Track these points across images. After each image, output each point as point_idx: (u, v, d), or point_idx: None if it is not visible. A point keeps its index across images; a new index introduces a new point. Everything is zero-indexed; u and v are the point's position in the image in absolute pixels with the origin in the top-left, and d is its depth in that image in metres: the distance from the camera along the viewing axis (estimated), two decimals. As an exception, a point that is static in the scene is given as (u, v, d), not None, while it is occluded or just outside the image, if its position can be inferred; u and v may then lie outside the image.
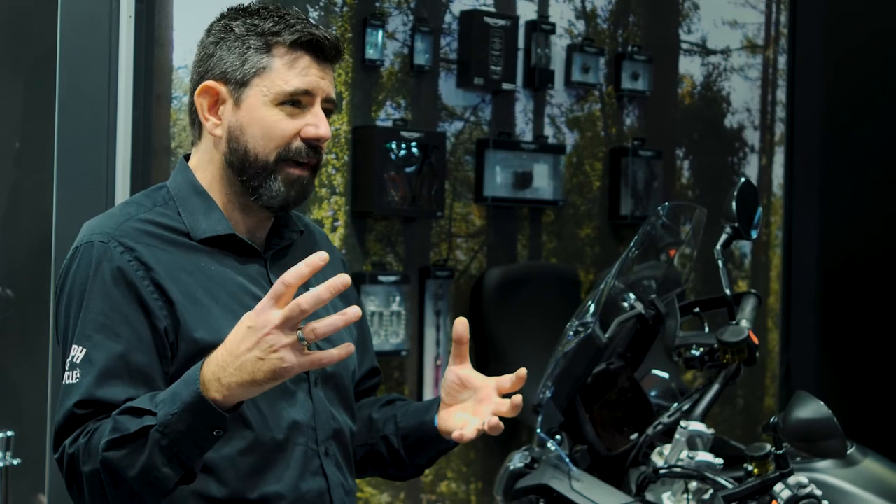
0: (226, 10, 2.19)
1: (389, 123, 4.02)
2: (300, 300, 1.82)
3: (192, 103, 2.17)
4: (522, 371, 2.15)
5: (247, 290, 2.11)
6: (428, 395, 4.09)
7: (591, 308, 2.95)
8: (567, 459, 2.86)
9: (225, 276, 2.10)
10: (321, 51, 2.12)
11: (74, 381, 1.97)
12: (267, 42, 2.10)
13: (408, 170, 4.00)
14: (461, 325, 2.19)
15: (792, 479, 2.59)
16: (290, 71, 2.09)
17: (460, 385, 2.19)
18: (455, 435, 2.12)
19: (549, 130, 4.50)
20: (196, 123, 2.17)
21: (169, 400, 1.89)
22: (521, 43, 4.36)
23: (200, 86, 2.13)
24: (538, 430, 2.92)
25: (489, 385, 2.17)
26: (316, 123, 2.10)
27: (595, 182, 4.66)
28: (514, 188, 4.35)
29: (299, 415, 2.12)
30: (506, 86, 4.28)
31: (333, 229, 3.90)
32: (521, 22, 4.37)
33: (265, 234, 2.20)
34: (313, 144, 2.11)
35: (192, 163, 2.19)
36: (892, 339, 4.99)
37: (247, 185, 2.12)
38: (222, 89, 2.11)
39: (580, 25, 4.59)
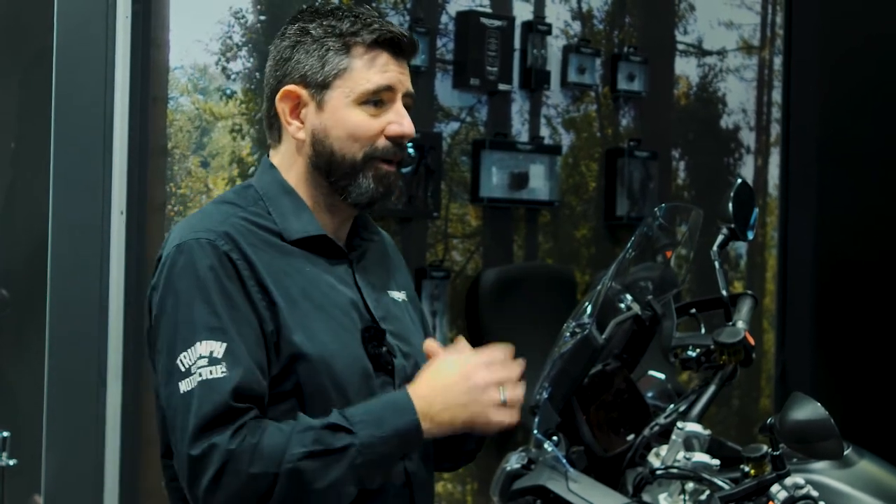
0: (298, 13, 2.17)
1: (386, 124, 4.02)
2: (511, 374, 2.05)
3: (270, 108, 2.16)
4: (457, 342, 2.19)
5: (337, 290, 2.11)
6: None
7: (588, 309, 2.94)
8: (564, 460, 2.86)
9: (319, 277, 2.10)
10: (399, 47, 2.12)
11: (222, 375, 1.94)
12: (346, 43, 2.10)
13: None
14: (430, 346, 2.18)
15: (788, 480, 2.59)
16: (370, 69, 2.09)
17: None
18: None
19: (545, 131, 4.50)
20: (275, 127, 2.17)
21: (373, 422, 1.97)
22: (517, 44, 4.37)
23: (282, 90, 2.12)
24: (535, 431, 2.91)
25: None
26: (399, 121, 2.11)
27: (591, 183, 4.67)
28: (510, 189, 4.36)
29: None
30: (502, 86, 4.28)
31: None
32: (518, 23, 4.37)
33: (346, 235, 2.20)
34: (397, 142, 2.12)
35: (275, 164, 2.18)
36: (887, 340, 5.00)
37: (336, 185, 2.11)
38: (303, 93, 2.11)
39: (576, 26, 4.59)
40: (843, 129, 5.21)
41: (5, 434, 3.30)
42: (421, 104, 4.15)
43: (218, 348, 1.96)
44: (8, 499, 3.36)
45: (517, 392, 2.02)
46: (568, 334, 2.94)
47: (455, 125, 4.25)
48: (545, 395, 2.91)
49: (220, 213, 2.10)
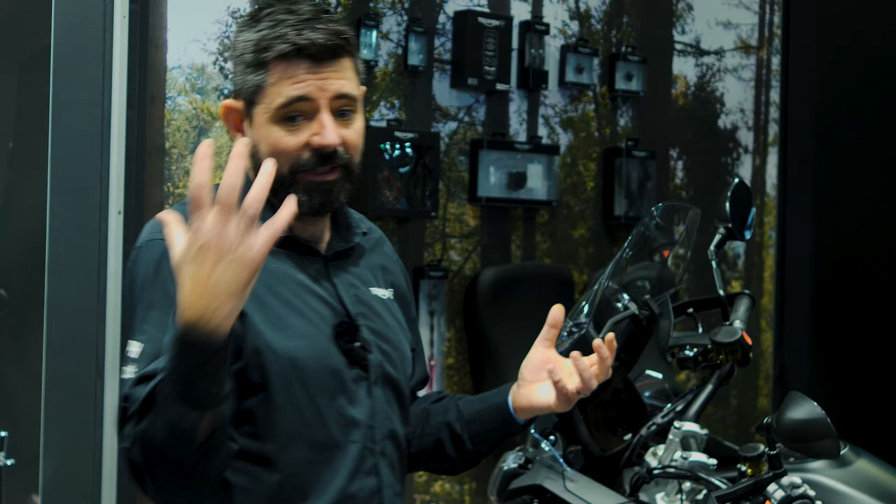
0: (236, 22, 2.16)
1: (383, 124, 4.02)
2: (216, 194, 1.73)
3: None
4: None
5: (307, 286, 2.11)
6: (422, 394, 4.08)
7: (585, 308, 2.95)
8: (561, 460, 2.86)
9: (285, 273, 2.10)
10: (317, 55, 2.05)
11: (130, 377, 1.93)
12: (260, 60, 2.05)
13: (402, 170, 4.00)
14: (558, 310, 2.25)
15: (785, 480, 2.59)
16: (281, 83, 2.04)
17: (543, 362, 2.22)
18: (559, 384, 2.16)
19: (542, 131, 4.50)
20: None
21: (166, 349, 1.82)
22: (514, 43, 4.37)
23: (221, 105, 2.13)
24: (532, 431, 2.92)
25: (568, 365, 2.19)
26: (321, 132, 2.05)
27: (589, 182, 4.67)
28: (507, 188, 4.35)
29: (358, 413, 2.11)
30: (500, 86, 4.28)
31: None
32: (515, 22, 4.37)
33: (324, 233, 2.19)
34: (322, 153, 2.07)
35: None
36: (885, 340, 5.00)
37: (274, 196, 2.05)
38: (239, 107, 2.10)
39: (574, 26, 4.59)
40: (841, 129, 5.21)
41: (3, 434, 3.29)
42: (419, 104, 4.15)
43: (136, 349, 1.96)
44: (5, 499, 3.36)
45: (251, 201, 1.74)
46: (565, 334, 2.95)
47: (453, 125, 4.25)
48: (542, 394, 2.91)
49: (185, 212, 2.09)
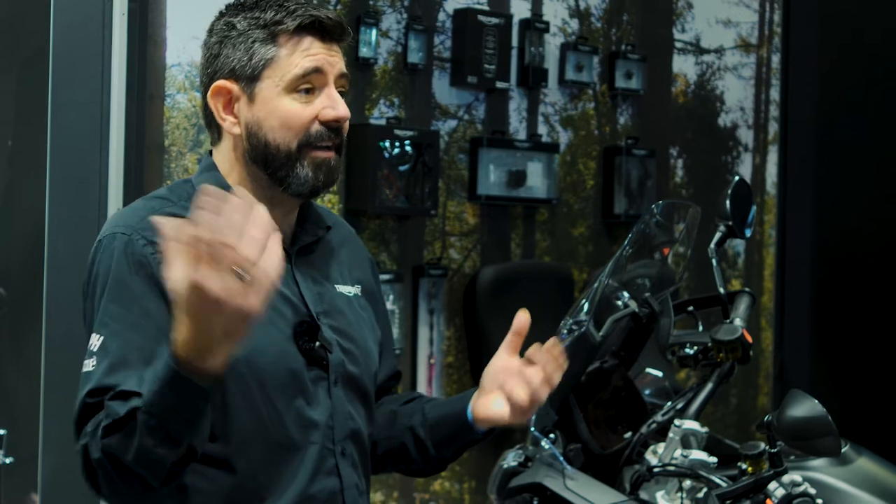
0: (224, 7, 2.16)
1: (383, 122, 4.02)
2: (200, 234, 1.68)
3: (205, 107, 2.15)
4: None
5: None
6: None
7: (585, 306, 2.94)
8: (561, 458, 2.86)
9: None
10: (325, 30, 2.09)
11: (91, 370, 1.93)
12: (271, 32, 2.08)
13: (401, 168, 4.00)
14: (523, 317, 2.20)
15: (786, 478, 2.59)
16: (296, 55, 2.07)
17: (503, 371, 2.19)
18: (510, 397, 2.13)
19: (542, 129, 4.50)
20: (213, 125, 2.15)
21: (152, 378, 1.82)
22: (514, 41, 4.36)
23: (212, 87, 2.11)
24: (532, 429, 2.91)
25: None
26: (332, 105, 2.08)
27: (589, 181, 4.66)
28: (507, 187, 4.35)
29: (317, 414, 2.10)
30: (499, 84, 4.28)
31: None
32: (515, 20, 4.37)
33: (291, 229, 2.18)
34: (333, 126, 2.09)
35: (216, 161, 2.16)
36: (885, 338, 4.99)
37: (274, 177, 2.09)
38: (234, 87, 2.09)
39: (574, 24, 4.59)
40: (841, 127, 5.21)
41: (2, 432, 3.29)
42: (418, 102, 4.15)
43: (96, 342, 1.96)
44: (4, 497, 3.36)
45: (269, 260, 1.71)
46: (565, 332, 2.94)
47: (453, 123, 4.25)
48: (542, 392, 2.90)
49: (146, 208, 2.08)
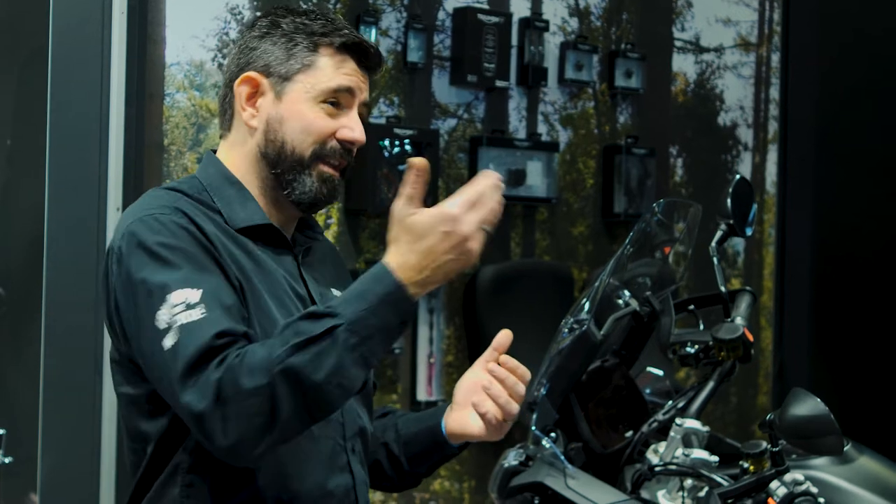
0: (272, 8, 2.19)
1: (383, 121, 4.01)
2: (470, 195, 1.92)
3: (225, 95, 2.16)
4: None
5: (286, 279, 2.11)
6: (421, 393, 4.08)
7: (586, 305, 2.94)
8: (562, 457, 2.86)
9: (268, 262, 2.10)
10: (366, 56, 2.15)
11: (200, 317, 1.89)
12: (315, 42, 2.11)
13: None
14: (504, 336, 2.16)
15: (788, 477, 2.59)
16: (334, 70, 2.11)
17: (476, 386, 2.17)
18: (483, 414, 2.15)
19: (542, 128, 4.49)
20: (227, 115, 2.17)
21: (355, 298, 1.89)
22: (514, 40, 4.36)
23: (243, 76, 2.12)
24: (533, 428, 2.91)
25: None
26: (353, 127, 2.12)
27: (588, 180, 4.66)
28: (507, 186, 4.34)
29: None
30: (499, 83, 4.27)
31: (327, 227, 3.89)
32: (515, 19, 4.36)
33: (292, 231, 2.20)
34: (347, 147, 2.13)
35: (222, 155, 2.17)
36: (885, 337, 4.99)
37: (280, 178, 2.11)
38: (264, 81, 2.11)
39: (573, 23, 4.58)
40: (841, 126, 5.20)
41: (1, 432, 3.29)
42: (418, 101, 4.14)
43: (192, 294, 1.92)
44: (3, 497, 3.35)
45: (493, 214, 1.94)
46: (566, 330, 2.94)
47: (452, 122, 4.24)
48: (543, 391, 2.91)
49: (168, 196, 2.08)
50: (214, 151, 2.20)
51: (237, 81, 2.12)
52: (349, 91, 2.12)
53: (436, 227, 1.89)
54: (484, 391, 2.14)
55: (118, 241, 2.02)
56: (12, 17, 3.55)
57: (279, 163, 2.10)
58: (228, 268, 2.00)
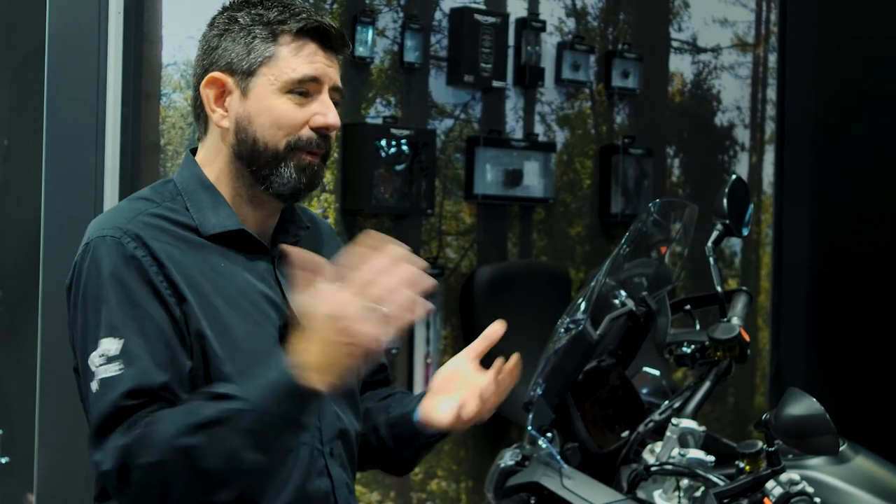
0: (228, 2, 2.16)
1: (379, 121, 4.01)
2: (361, 274, 1.83)
3: (196, 98, 2.14)
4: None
5: (255, 287, 2.09)
6: (418, 392, 4.08)
7: (582, 305, 2.94)
8: (558, 457, 2.86)
9: (234, 273, 2.08)
10: (327, 39, 2.10)
11: (116, 374, 1.92)
12: (273, 31, 2.08)
13: (398, 167, 3.99)
14: (498, 326, 2.19)
15: (784, 477, 2.59)
16: (296, 58, 2.08)
17: (455, 375, 2.19)
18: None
19: (539, 128, 4.49)
20: (202, 118, 2.15)
21: (251, 386, 1.87)
22: (511, 40, 4.36)
23: (206, 77, 2.10)
24: (529, 428, 2.91)
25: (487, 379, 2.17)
26: (324, 112, 2.09)
27: (585, 180, 4.66)
28: (504, 186, 4.35)
29: None
30: (496, 83, 4.27)
31: (323, 227, 3.89)
32: (512, 19, 4.37)
33: (272, 230, 2.18)
34: (322, 133, 2.10)
35: (198, 157, 2.16)
36: (882, 338, 4.99)
37: (257, 174, 2.10)
38: (228, 80, 2.09)
39: (570, 23, 4.58)
40: (838, 127, 5.21)
41: (-2, 432, 3.29)
42: (415, 101, 4.14)
43: (115, 346, 1.94)
44: (0, 498, 3.35)
45: (389, 288, 1.83)
46: (562, 330, 2.94)
47: (449, 122, 4.24)
48: (539, 391, 2.91)
49: (131, 209, 2.08)
50: (193, 151, 2.19)
51: (202, 84, 2.11)
52: (315, 80, 2.08)
53: (325, 307, 1.83)
54: (471, 384, 2.14)
55: (80, 251, 2.05)
56: (9, 17, 3.54)
57: (254, 160, 2.09)
58: (169, 298, 1.99)
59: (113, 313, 1.96)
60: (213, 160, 2.14)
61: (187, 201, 2.11)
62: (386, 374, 2.42)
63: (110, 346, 1.95)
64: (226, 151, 2.12)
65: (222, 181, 2.13)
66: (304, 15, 2.09)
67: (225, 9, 2.15)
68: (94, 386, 1.94)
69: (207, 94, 2.10)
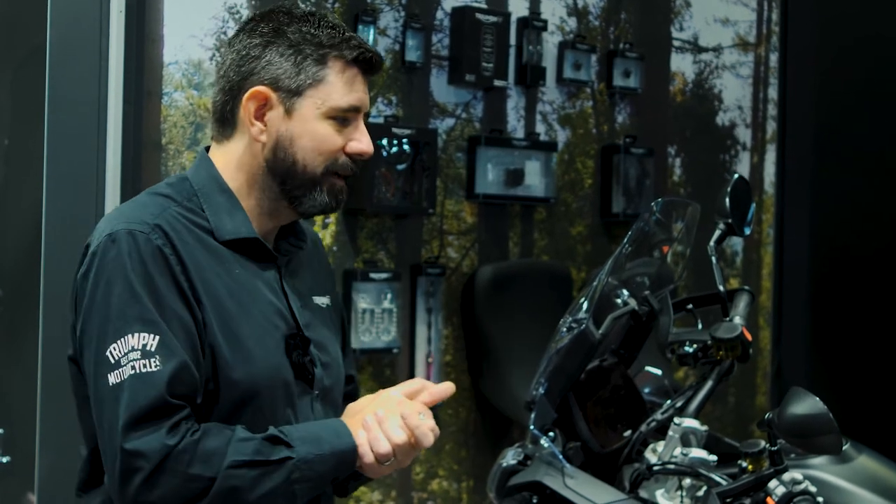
0: (267, 10, 2.14)
1: (381, 120, 4.01)
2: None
3: (227, 102, 2.13)
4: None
5: (265, 296, 2.10)
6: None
7: (585, 304, 2.93)
8: (560, 456, 2.85)
9: (247, 280, 2.09)
10: (370, 67, 2.13)
11: (155, 368, 1.92)
12: (324, 55, 2.09)
13: (399, 167, 3.99)
14: (449, 389, 2.16)
15: (786, 476, 2.58)
16: (344, 85, 2.10)
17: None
18: None
19: (540, 128, 4.49)
20: (229, 122, 2.13)
21: (310, 440, 1.98)
22: (512, 40, 4.35)
23: (251, 90, 2.09)
24: (531, 427, 2.90)
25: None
26: (361, 139, 2.12)
27: (587, 180, 4.65)
28: (505, 185, 4.34)
29: None
30: (497, 83, 4.27)
31: (325, 226, 3.88)
32: (513, 19, 4.36)
33: (273, 237, 2.19)
34: (356, 159, 2.13)
35: (216, 160, 2.15)
36: (883, 337, 4.99)
37: (288, 193, 2.11)
38: (272, 95, 2.09)
39: (572, 22, 4.58)
40: (840, 126, 5.20)
41: (-1, 431, 3.28)
42: (416, 100, 4.14)
43: (151, 341, 1.94)
44: (1, 497, 3.35)
45: (430, 420, 2.05)
46: (564, 329, 2.94)
47: (450, 121, 4.24)
48: (541, 390, 2.91)
49: (156, 205, 2.07)
50: (208, 149, 2.18)
51: (245, 96, 2.09)
52: (357, 109, 2.11)
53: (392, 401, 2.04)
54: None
55: (97, 240, 2.03)
56: (10, 16, 3.54)
57: (289, 179, 2.10)
58: (191, 299, 2.00)
59: (146, 308, 1.96)
60: (237, 168, 2.13)
61: (203, 203, 2.10)
62: (353, 386, 2.40)
63: (146, 339, 1.94)
64: (257, 163, 2.11)
65: (244, 190, 2.12)
66: (354, 42, 2.11)
67: (263, 17, 2.14)
68: (116, 378, 1.93)
69: (249, 106, 2.09)
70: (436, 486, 4.21)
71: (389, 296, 3.98)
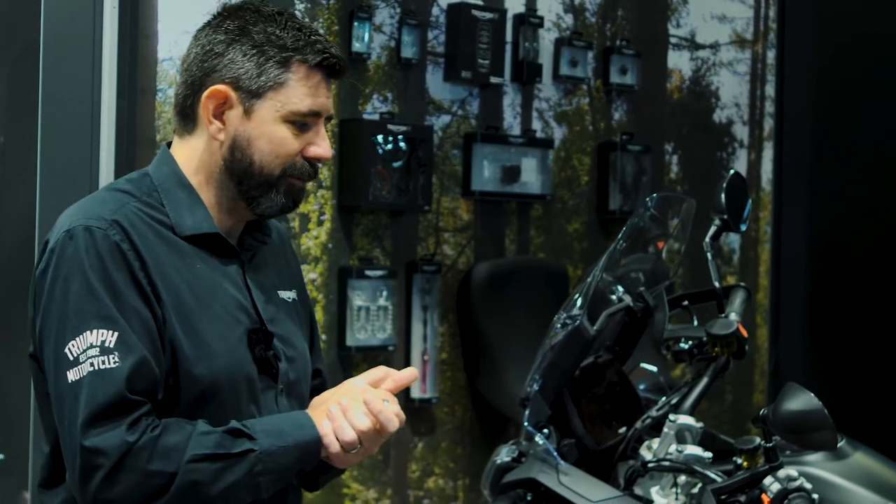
0: (235, 6, 2.13)
1: (376, 117, 4.00)
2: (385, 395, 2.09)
3: (185, 96, 2.11)
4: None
5: (227, 291, 2.09)
6: (415, 390, 4.06)
7: (579, 300, 2.93)
8: (555, 453, 2.85)
9: (208, 276, 2.08)
10: (334, 71, 2.11)
11: (114, 365, 1.92)
12: (286, 58, 2.07)
13: (395, 164, 3.98)
14: (409, 374, 2.17)
15: (782, 472, 2.58)
16: (305, 91, 2.07)
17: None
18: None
19: (536, 124, 4.48)
20: (189, 117, 2.12)
21: (273, 433, 1.98)
22: (508, 36, 4.35)
23: (211, 88, 2.07)
24: (525, 424, 2.90)
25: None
26: (320, 144, 2.10)
27: (583, 177, 4.65)
28: (501, 182, 4.33)
29: None
30: (493, 79, 4.26)
31: (320, 223, 3.88)
32: (509, 15, 4.35)
33: (239, 233, 2.17)
34: (314, 163, 2.11)
35: (177, 155, 2.13)
36: (881, 335, 4.98)
37: (245, 193, 2.09)
38: (232, 95, 2.07)
39: (568, 19, 4.57)
40: (837, 123, 5.20)
41: (-8, 429, 3.28)
42: (412, 97, 4.13)
43: (110, 337, 1.93)
44: (-5, 494, 3.34)
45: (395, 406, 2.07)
46: (559, 326, 2.93)
47: (446, 118, 4.23)
48: (536, 387, 2.90)
49: (114, 200, 2.06)
50: (170, 145, 2.17)
51: (205, 93, 2.07)
52: (317, 114, 2.09)
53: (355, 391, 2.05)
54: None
55: (55, 237, 2.01)
56: (3, 13, 3.53)
57: (245, 180, 2.08)
58: (150, 295, 1.99)
59: (104, 304, 1.95)
60: (198, 165, 2.12)
61: (163, 198, 2.09)
62: (320, 380, 2.36)
63: (104, 336, 1.93)
64: (215, 162, 2.10)
65: (204, 188, 2.11)
66: (319, 46, 2.08)
67: (231, 13, 2.12)
68: (75, 375, 1.92)
69: (208, 104, 2.07)
70: (432, 484, 4.20)
71: (385, 293, 3.98)
